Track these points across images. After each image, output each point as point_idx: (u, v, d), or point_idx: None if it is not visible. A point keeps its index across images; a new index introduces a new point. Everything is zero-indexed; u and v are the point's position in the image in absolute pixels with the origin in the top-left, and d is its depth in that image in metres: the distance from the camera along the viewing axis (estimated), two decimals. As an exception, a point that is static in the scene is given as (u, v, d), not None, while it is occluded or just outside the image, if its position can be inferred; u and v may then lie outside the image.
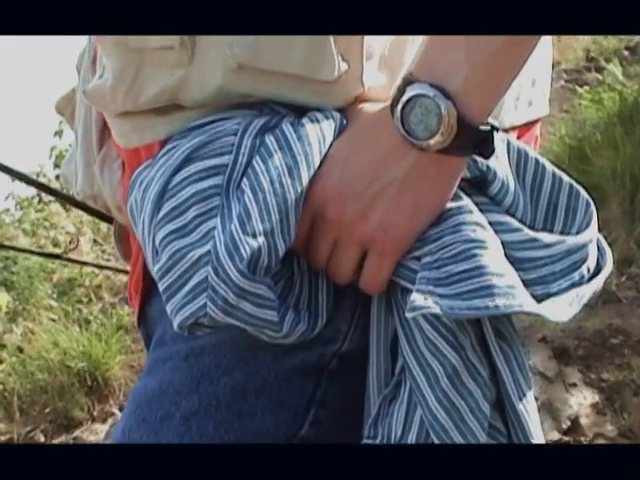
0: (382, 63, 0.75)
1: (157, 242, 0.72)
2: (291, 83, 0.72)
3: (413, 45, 0.77)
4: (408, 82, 0.69)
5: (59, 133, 7.33)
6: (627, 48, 7.24)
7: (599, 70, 6.64)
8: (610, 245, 0.80)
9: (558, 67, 7.70)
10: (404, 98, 0.68)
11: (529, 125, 0.93)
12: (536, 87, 0.92)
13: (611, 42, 7.68)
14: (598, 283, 0.75)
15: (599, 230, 0.78)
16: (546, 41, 0.94)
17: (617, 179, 3.90)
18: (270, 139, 0.72)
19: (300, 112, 0.74)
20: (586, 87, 6.16)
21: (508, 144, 0.77)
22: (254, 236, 0.67)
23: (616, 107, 4.83)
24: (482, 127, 0.69)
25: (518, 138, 0.89)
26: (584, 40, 8.22)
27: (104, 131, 0.97)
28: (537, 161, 0.77)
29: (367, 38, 0.72)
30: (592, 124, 4.91)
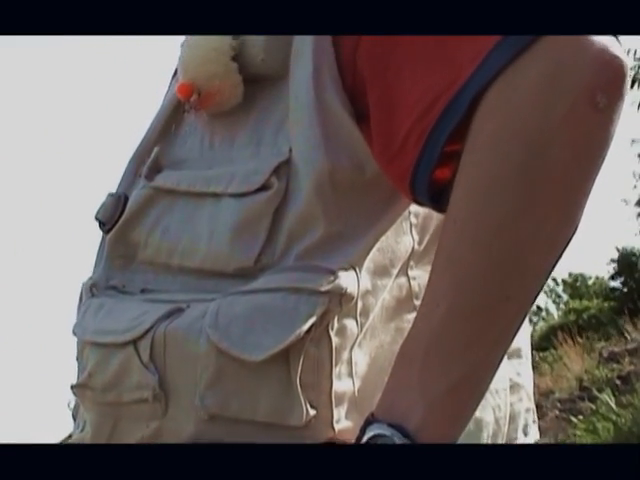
0: (352, 407, 0.77)
1: None
2: (262, 429, 0.74)
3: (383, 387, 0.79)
4: (369, 422, 0.70)
5: None
6: (619, 377, 7.31)
7: (592, 399, 6.66)
8: None
9: (552, 396, 7.73)
10: (364, 439, 0.70)
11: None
12: (515, 423, 0.93)
13: (603, 371, 7.77)
14: None
15: None
16: (522, 378, 0.96)
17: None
18: None
19: None
20: (580, 416, 6.15)
21: None
22: None
23: (611, 437, 4.80)
24: None
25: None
26: (576, 369, 8.32)
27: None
28: None
29: (335, 385, 0.75)
30: (589, 454, 4.83)
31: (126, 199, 0.87)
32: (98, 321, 0.82)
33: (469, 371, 0.69)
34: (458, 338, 0.68)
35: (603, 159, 0.68)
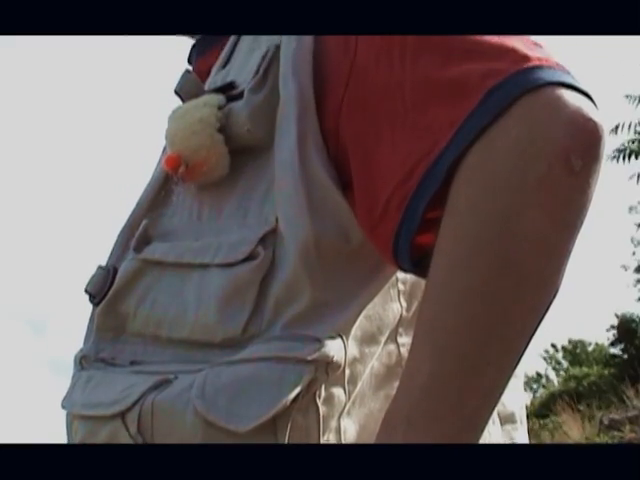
0: None
1: None
2: None
3: None
4: None
5: None
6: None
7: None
8: None
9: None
10: None
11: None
12: None
13: (603, 439, 7.70)
14: None
15: None
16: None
17: None
18: None
19: None
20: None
21: None
22: None
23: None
24: None
25: None
26: (577, 437, 8.25)
27: None
28: None
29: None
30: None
31: (115, 271, 0.88)
32: (86, 394, 0.82)
33: (452, 435, 0.68)
34: (440, 403, 0.68)
35: (581, 222, 0.68)
